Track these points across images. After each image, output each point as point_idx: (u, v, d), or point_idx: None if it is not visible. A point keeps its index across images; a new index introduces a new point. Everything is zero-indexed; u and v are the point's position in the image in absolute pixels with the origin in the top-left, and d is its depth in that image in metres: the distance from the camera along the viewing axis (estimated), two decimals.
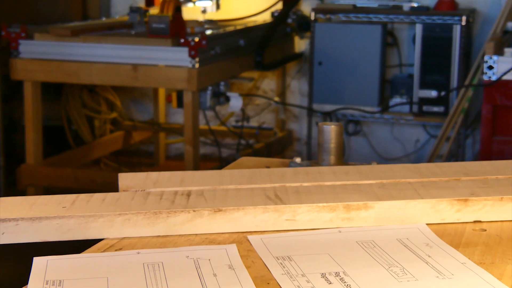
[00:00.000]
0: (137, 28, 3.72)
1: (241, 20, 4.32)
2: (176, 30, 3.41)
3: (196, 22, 3.94)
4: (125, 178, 1.23)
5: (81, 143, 4.40)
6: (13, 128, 4.29)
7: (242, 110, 4.16)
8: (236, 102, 3.66)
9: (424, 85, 3.98)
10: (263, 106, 4.61)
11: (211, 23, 4.08)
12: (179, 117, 4.62)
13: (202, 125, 4.20)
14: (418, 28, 3.95)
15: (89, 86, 4.39)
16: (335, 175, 1.26)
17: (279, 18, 4.16)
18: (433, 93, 3.93)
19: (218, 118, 4.36)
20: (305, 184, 1.22)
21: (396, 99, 4.09)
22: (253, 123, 4.54)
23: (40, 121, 3.63)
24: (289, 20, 4.30)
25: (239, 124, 4.35)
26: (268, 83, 4.59)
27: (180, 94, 3.55)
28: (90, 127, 4.48)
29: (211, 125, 4.29)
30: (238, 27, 3.99)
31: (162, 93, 4.58)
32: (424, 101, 3.97)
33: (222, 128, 4.44)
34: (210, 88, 3.59)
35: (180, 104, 3.57)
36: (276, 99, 4.50)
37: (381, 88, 4.11)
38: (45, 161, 3.74)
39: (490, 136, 3.05)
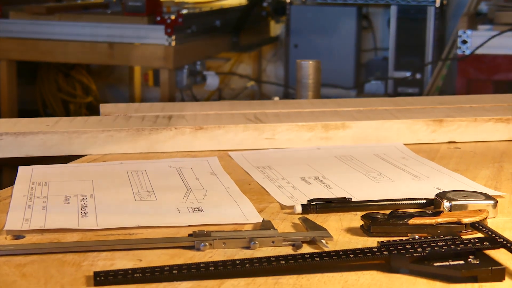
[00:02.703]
0: (113, 8, 3.72)
1: (216, 2, 4.33)
2: (152, 8, 3.42)
3: (172, 2, 3.95)
4: (106, 107, 1.25)
5: None
6: None
7: (219, 90, 4.17)
8: (212, 81, 3.67)
9: (399, 67, 4.02)
10: (238, 91, 4.62)
11: (187, 3, 4.09)
12: (155, 101, 4.61)
13: None
14: (393, 10, 3.99)
15: (64, 70, 4.38)
16: (313, 104, 1.29)
17: (254, 0, 4.18)
18: (408, 74, 3.97)
19: (195, 99, 4.37)
20: (284, 110, 1.24)
21: (372, 81, 4.12)
22: None
23: (15, 100, 3.62)
24: (265, 4, 4.33)
25: None
26: (244, 68, 4.61)
27: (156, 73, 3.56)
28: (65, 111, 4.47)
29: None
30: (214, 8, 4.00)
31: (138, 78, 4.58)
32: (399, 82, 4.00)
33: None
34: (186, 67, 3.60)
35: (156, 82, 3.58)
36: (252, 83, 4.52)
37: (357, 71, 4.14)
38: None
39: None
